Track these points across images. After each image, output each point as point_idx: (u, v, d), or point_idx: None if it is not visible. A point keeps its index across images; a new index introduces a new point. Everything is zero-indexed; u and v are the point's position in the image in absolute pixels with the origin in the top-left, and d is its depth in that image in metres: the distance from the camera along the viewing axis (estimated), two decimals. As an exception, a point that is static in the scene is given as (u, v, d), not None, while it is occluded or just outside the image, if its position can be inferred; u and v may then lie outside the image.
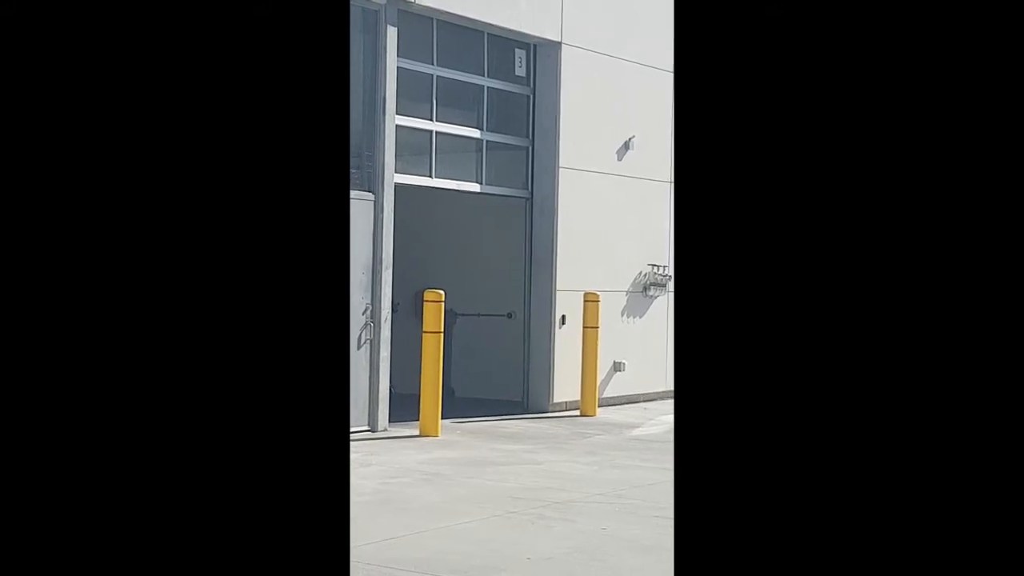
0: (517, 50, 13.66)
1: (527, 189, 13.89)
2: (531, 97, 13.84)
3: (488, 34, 13.21)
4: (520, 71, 13.73)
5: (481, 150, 13.38)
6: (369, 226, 11.62)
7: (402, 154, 12.06)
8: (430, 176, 12.69)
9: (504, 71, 13.57)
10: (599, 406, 13.76)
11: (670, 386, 14.63)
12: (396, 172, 11.91)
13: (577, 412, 13.63)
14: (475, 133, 13.27)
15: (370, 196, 11.66)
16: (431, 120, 12.64)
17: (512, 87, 13.66)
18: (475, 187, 13.33)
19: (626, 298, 14.78)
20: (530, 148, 13.89)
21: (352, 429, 11.29)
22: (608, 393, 14.37)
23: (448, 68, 12.80)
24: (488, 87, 13.37)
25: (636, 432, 12.44)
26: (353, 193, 11.43)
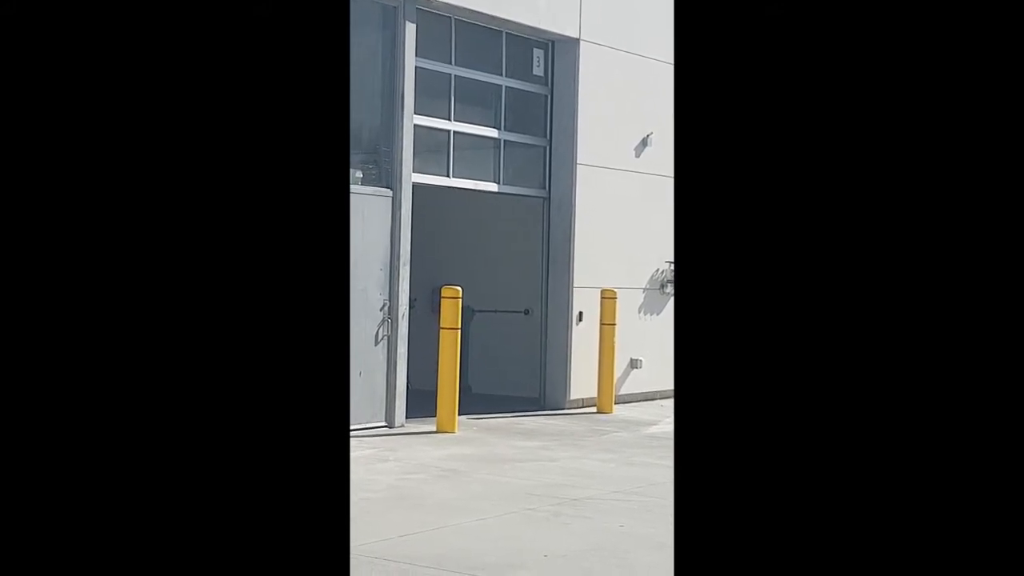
0: (536, 49, 13.65)
1: (544, 186, 13.89)
2: (549, 95, 13.83)
3: (507, 33, 13.21)
4: (538, 71, 13.73)
5: (499, 148, 13.38)
6: (387, 222, 11.64)
7: (420, 152, 12.07)
8: (448, 176, 12.70)
9: (522, 70, 13.56)
10: (616, 403, 13.76)
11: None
12: (414, 172, 11.92)
13: (594, 409, 13.63)
14: (493, 132, 13.27)
15: (388, 192, 11.68)
16: (449, 120, 12.64)
17: (530, 87, 13.66)
18: (493, 187, 13.33)
19: (643, 295, 14.78)
20: (548, 145, 13.89)
21: (369, 425, 11.32)
22: (625, 390, 14.37)
23: (466, 68, 12.80)
24: (506, 87, 13.36)
25: (653, 429, 12.44)
26: (370, 189, 11.46)
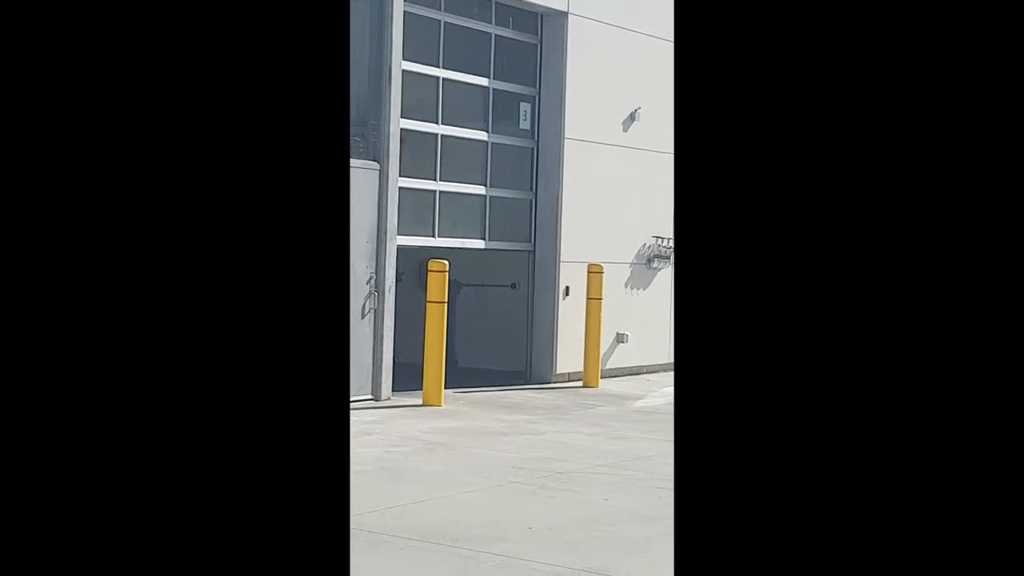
0: (522, 103, 13.63)
1: (532, 160, 13.88)
2: (537, 68, 13.81)
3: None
4: (524, 124, 13.70)
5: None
6: (374, 195, 11.61)
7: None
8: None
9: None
10: (602, 377, 13.80)
11: (672, 358, 14.65)
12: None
13: (580, 383, 13.67)
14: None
15: (375, 165, 11.65)
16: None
17: (516, 142, 13.63)
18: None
19: (630, 270, 14.79)
20: (535, 128, 13.86)
21: (355, 398, 11.33)
22: (611, 364, 14.41)
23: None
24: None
25: (638, 404, 12.48)
26: (358, 162, 11.42)
